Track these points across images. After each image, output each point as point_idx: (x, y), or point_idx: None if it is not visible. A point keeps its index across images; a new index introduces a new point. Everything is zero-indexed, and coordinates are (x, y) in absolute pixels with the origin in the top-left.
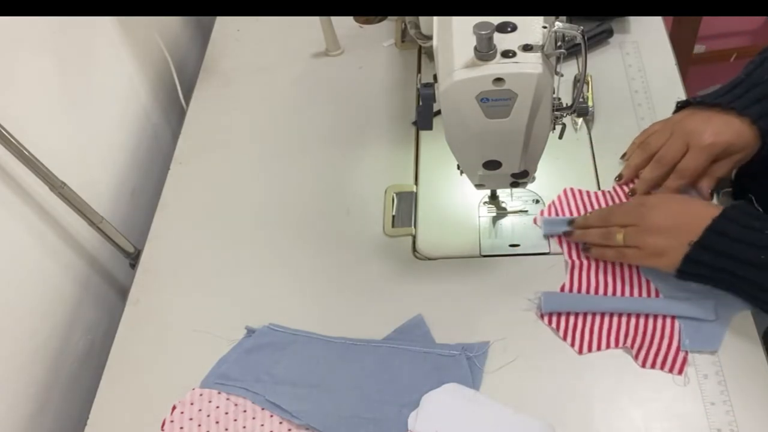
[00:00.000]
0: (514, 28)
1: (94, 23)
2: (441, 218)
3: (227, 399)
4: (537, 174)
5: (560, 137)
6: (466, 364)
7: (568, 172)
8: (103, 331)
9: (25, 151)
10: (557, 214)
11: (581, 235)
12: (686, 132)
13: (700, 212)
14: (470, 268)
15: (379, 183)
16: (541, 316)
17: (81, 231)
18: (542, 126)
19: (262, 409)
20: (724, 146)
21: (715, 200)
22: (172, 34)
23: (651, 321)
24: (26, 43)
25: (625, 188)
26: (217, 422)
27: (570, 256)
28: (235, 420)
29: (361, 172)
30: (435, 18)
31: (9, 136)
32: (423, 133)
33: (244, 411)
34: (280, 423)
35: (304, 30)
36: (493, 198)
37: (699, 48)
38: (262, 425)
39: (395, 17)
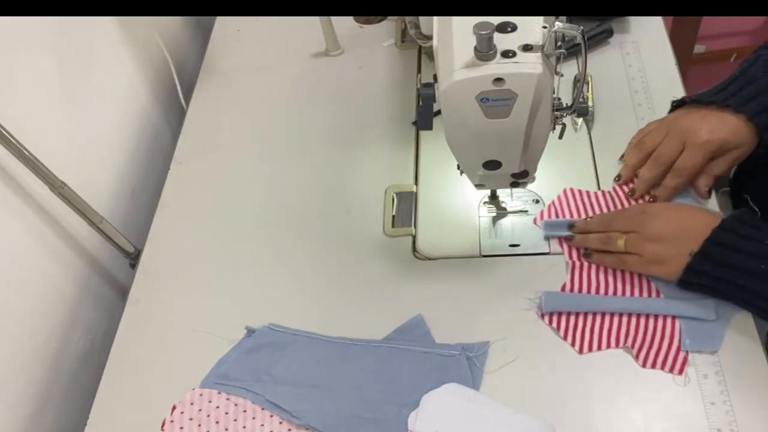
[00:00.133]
0: (514, 28)
1: (94, 23)
2: (441, 218)
3: (227, 399)
4: (537, 174)
5: (560, 137)
6: (466, 364)
7: (568, 172)
8: (103, 331)
9: (25, 151)
10: (557, 215)
11: (581, 240)
12: (682, 130)
13: (702, 222)
14: (470, 268)
15: (379, 183)
16: (542, 316)
17: (81, 231)
18: (542, 126)
19: (262, 409)
20: (720, 143)
21: (714, 199)
22: (172, 34)
23: (651, 321)
24: (26, 43)
25: (625, 188)
26: (217, 422)
27: (570, 257)
28: (235, 420)
29: (361, 172)
30: (435, 18)
31: (9, 136)
32: (423, 133)
33: (244, 411)
34: (280, 423)
35: (304, 30)
36: (493, 198)
37: (699, 48)
38: (262, 425)
39: (395, 17)
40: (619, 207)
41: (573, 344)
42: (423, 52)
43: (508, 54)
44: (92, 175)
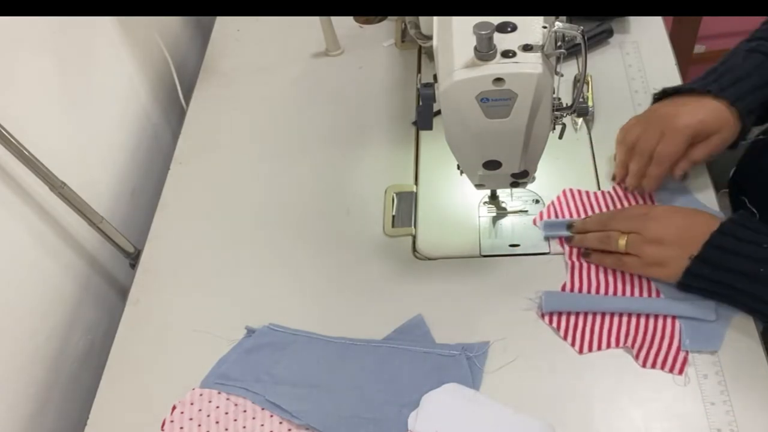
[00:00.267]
0: (514, 28)
1: (94, 23)
2: (441, 218)
3: (227, 399)
4: (537, 174)
5: (560, 137)
6: (466, 364)
7: (568, 172)
8: (103, 331)
9: (25, 151)
10: (557, 215)
11: (580, 240)
12: (660, 118)
13: (703, 225)
14: (470, 268)
15: (379, 183)
16: (542, 316)
17: (81, 231)
18: (542, 126)
19: (262, 409)
20: (699, 127)
21: (714, 199)
22: (172, 34)
23: (651, 321)
24: (26, 43)
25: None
26: (217, 422)
27: (570, 258)
28: (235, 420)
29: (361, 172)
30: (435, 18)
31: (9, 136)
32: (423, 133)
33: (244, 411)
34: (280, 423)
35: (304, 30)
36: (493, 198)
37: (699, 48)
38: (262, 425)
39: (395, 17)
40: (619, 207)
41: (573, 344)
42: (423, 52)
43: (508, 54)
44: (92, 175)
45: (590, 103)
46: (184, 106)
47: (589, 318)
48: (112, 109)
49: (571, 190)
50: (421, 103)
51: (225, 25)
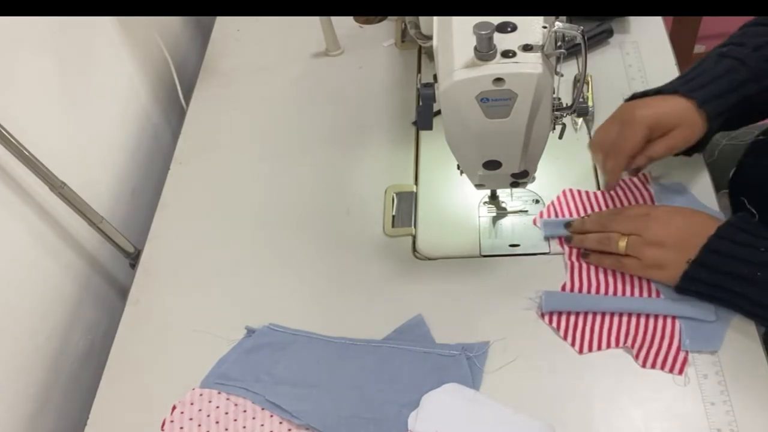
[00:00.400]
0: (514, 28)
1: (94, 23)
2: (441, 218)
3: (227, 399)
4: (537, 174)
5: (560, 137)
6: (466, 364)
7: (568, 172)
8: (103, 331)
9: (25, 151)
10: (557, 215)
11: (580, 241)
12: (620, 111)
13: (703, 228)
14: (470, 268)
15: (379, 183)
16: (542, 316)
17: (81, 231)
18: (542, 126)
19: (262, 409)
20: (656, 118)
21: (714, 199)
22: (172, 34)
23: (651, 321)
24: (26, 43)
25: (623, 185)
26: (217, 422)
27: (570, 258)
28: (235, 420)
29: (361, 172)
30: (435, 18)
31: (9, 136)
32: (423, 133)
33: (244, 411)
34: (280, 423)
35: (304, 30)
36: (493, 198)
37: (699, 48)
38: (262, 425)
39: (395, 17)
40: (619, 207)
41: (573, 344)
42: (423, 52)
43: (508, 54)
44: (92, 175)
45: (590, 103)
46: (184, 106)
47: (589, 318)
48: (112, 109)
49: (571, 190)
50: (421, 103)
51: (225, 25)
